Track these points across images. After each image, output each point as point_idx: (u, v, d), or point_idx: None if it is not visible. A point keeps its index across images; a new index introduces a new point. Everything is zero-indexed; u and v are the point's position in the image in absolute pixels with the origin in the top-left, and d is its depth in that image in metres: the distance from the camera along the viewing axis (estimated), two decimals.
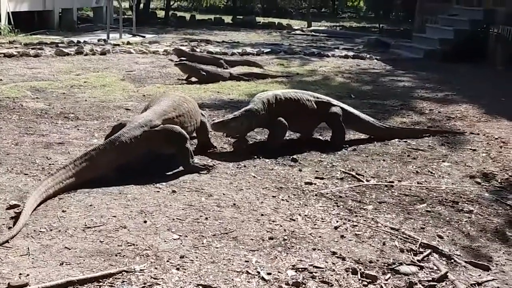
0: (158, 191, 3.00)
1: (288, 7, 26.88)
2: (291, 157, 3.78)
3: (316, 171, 3.56)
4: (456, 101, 6.34)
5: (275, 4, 27.18)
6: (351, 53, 10.67)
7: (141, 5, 20.12)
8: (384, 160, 3.87)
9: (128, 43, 10.61)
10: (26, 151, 3.62)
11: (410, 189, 3.29)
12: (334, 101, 4.41)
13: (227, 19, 19.93)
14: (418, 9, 15.06)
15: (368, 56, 10.37)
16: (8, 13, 10.70)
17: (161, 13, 21.51)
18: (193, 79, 7.02)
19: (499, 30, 10.21)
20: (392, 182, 3.40)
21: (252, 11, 25.07)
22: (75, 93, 5.83)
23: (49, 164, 3.36)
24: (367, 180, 3.40)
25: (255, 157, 3.72)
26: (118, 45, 10.06)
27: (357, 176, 3.47)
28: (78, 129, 4.34)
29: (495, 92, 7.12)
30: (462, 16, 11.55)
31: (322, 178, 3.41)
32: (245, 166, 3.54)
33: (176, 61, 7.52)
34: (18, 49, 8.68)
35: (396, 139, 4.39)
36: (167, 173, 3.31)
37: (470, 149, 4.30)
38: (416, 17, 15.05)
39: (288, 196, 3.06)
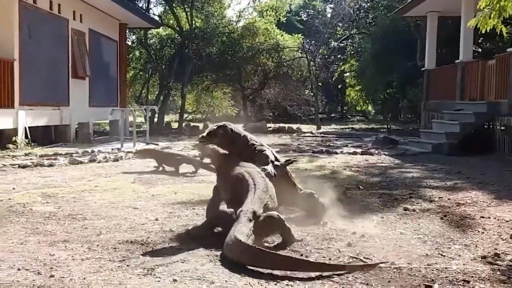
0: (159, 281, 2.94)
1: (298, 114, 27.64)
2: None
3: (323, 257, 3.48)
4: (465, 188, 6.30)
5: (285, 111, 28.00)
6: (359, 150, 10.81)
7: (155, 119, 20.92)
8: (393, 245, 3.78)
9: None
10: (30, 249, 3.61)
11: (419, 271, 3.19)
12: None
13: (239, 126, 20.45)
14: (423, 107, 15.46)
15: (376, 152, 10.49)
16: (25, 127, 11.13)
17: (175, 125, 22.25)
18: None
19: (505, 122, 10.37)
20: (401, 264, 3.31)
21: (263, 118, 25.85)
22: (85, 196, 5.89)
23: (51, 260, 3.33)
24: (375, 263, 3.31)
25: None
26: (131, 152, 10.31)
27: (364, 260, 3.39)
28: (85, 228, 4.34)
29: (504, 179, 7.10)
30: (467, 110, 11.81)
31: None
32: None
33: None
34: (32, 160, 8.93)
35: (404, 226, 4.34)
36: (169, 262, 3.25)
37: (481, 232, 4.20)
38: (422, 114, 15.40)
39: (293, 282, 2.98)
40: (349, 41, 25.30)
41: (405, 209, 5.06)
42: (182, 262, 3.29)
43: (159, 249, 3.61)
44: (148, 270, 3.12)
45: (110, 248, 3.64)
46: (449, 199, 5.65)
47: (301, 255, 3.50)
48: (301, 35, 24.95)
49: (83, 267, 3.18)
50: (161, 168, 8.00)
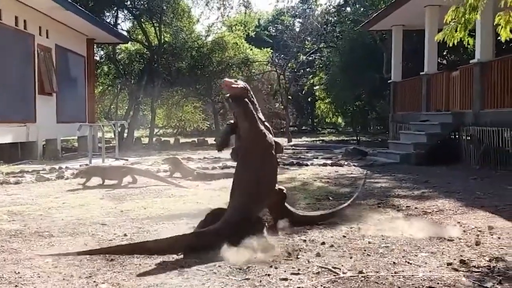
0: None
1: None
2: None
3: (293, 267, 3.49)
4: (432, 197, 6.42)
5: None
6: (329, 162, 10.91)
7: (125, 134, 20.70)
8: (361, 254, 3.82)
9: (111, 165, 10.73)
10: None
11: (386, 279, 3.22)
12: None
13: (211, 140, 20.49)
14: (391, 119, 15.72)
15: (346, 163, 10.60)
16: None
17: (145, 140, 22.08)
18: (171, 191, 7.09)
19: (469, 131, 10.60)
20: (369, 273, 3.34)
21: None
22: (52, 213, 5.78)
23: (16, 278, 3.26)
24: (344, 273, 3.34)
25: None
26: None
27: (333, 269, 3.41)
28: (51, 245, 4.26)
29: (470, 188, 7.26)
30: (433, 120, 12.04)
31: (297, 274, 3.34)
32: (219, 266, 3.47)
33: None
34: None
35: (371, 235, 4.39)
36: (136, 278, 3.22)
37: (448, 239, 4.28)
38: (390, 125, 15.65)
39: None
40: (318, 54, 25.61)
41: (374, 218, 5.12)
42: (150, 276, 3.26)
43: (127, 264, 3.57)
44: (114, 287, 3.08)
45: (76, 264, 3.58)
46: (416, 208, 5.74)
47: (270, 266, 3.51)
48: (270, 49, 25.14)
49: (49, 284, 3.13)
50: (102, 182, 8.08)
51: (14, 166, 10.83)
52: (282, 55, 25.48)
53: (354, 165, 10.33)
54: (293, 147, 17.42)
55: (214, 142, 19.70)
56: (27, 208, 6.11)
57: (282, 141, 21.58)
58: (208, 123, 27.14)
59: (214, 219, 4.12)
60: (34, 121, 12.96)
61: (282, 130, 27.34)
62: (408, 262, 3.62)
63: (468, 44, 5.74)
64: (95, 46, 18.96)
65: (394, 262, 3.61)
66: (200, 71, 22.91)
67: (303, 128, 35.75)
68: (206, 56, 22.99)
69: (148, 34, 21.90)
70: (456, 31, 5.40)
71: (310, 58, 25.92)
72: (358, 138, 21.44)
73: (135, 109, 21.91)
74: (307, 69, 26.73)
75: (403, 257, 3.76)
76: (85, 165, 10.59)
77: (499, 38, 5.28)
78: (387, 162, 11.05)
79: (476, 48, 10.70)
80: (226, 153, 5.45)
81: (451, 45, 5.47)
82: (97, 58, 22.96)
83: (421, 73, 13.66)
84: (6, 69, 11.83)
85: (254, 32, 26.17)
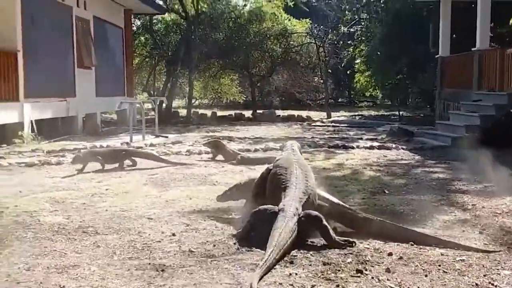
0: None
1: (306, 99, 27.19)
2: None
3: (362, 287, 3.14)
4: (497, 193, 5.92)
5: (293, 97, 27.56)
6: (376, 144, 10.47)
7: (164, 105, 20.51)
8: (437, 271, 3.44)
9: (151, 144, 10.54)
10: (38, 278, 3.28)
11: None
12: None
13: (247, 113, 20.18)
14: (438, 96, 15.04)
15: (393, 146, 10.14)
16: (31, 121, 10.80)
17: (183, 112, 21.93)
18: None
19: None
20: None
21: (271, 104, 25.43)
22: (95, 202, 5.58)
23: None
24: None
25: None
26: (141, 147, 9.93)
27: None
28: (97, 246, 4.02)
29: None
30: (486, 101, 11.41)
31: None
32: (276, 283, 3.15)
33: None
34: (40, 158, 8.61)
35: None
36: None
37: None
38: (437, 104, 14.99)
39: None
40: (359, 26, 24.72)
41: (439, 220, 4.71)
42: None
43: (179, 277, 3.27)
44: None
45: (125, 275, 3.31)
46: (483, 207, 5.29)
47: (337, 286, 3.16)
48: (309, 19, 24.39)
49: None
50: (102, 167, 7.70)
51: (55, 143, 10.74)
52: (322, 26, 24.70)
53: (402, 149, 9.85)
54: (333, 124, 16.97)
55: (251, 116, 19.44)
56: (70, 195, 5.92)
57: (320, 115, 21.11)
58: (245, 96, 26.73)
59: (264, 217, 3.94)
60: (74, 96, 12.86)
61: (318, 102, 26.73)
62: (492, 284, 3.22)
63: None
64: (132, 17, 18.69)
65: (476, 284, 3.21)
66: (237, 43, 22.43)
67: (339, 100, 34.98)
68: (243, 27, 22.46)
69: (185, 3, 21.44)
70: None
71: (352, 30, 25.07)
72: (400, 113, 20.75)
73: (173, 82, 21.65)
74: (348, 42, 25.87)
75: (484, 275, 3.36)
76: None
77: None
78: (437, 145, 10.52)
79: None
80: (268, 133, 5.23)
81: None
82: (134, 29, 22.69)
83: (473, 48, 12.92)
84: (45, 43, 11.67)
85: (293, 2, 25.38)
